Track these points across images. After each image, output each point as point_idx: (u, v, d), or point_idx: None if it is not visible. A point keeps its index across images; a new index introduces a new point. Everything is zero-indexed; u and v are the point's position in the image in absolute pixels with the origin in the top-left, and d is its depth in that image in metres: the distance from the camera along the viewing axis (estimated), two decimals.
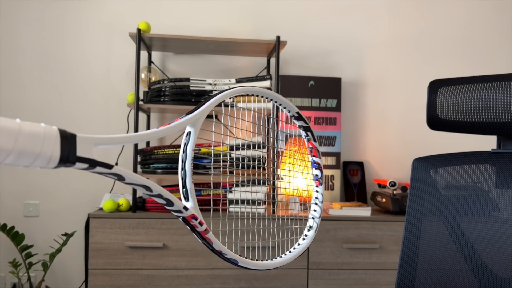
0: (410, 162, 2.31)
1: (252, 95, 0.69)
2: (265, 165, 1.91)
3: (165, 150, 1.92)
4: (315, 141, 0.80)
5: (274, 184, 1.83)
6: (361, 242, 1.89)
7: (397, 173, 2.40)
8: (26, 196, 2.21)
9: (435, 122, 0.90)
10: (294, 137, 2.03)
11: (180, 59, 2.32)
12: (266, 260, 0.67)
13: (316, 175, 0.80)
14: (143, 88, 2.16)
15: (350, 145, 2.39)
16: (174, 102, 1.95)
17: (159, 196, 0.51)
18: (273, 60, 2.29)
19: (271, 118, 1.91)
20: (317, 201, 0.79)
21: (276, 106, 0.74)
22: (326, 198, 2.26)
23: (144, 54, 2.20)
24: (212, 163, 0.80)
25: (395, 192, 2.03)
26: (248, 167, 1.35)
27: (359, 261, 1.89)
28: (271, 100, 0.72)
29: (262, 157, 1.80)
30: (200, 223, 0.56)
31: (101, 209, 1.92)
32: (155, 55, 2.29)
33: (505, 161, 0.86)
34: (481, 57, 2.47)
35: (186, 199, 0.57)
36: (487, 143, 2.34)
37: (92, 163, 0.42)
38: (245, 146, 1.77)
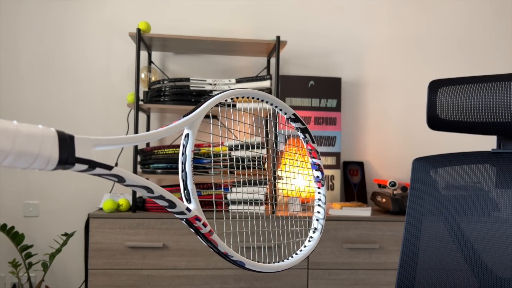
0: (410, 162, 2.31)
1: (248, 97, 0.69)
2: (265, 165, 1.91)
3: (165, 150, 1.92)
4: (313, 142, 0.80)
5: (274, 185, 1.83)
6: (361, 242, 1.89)
7: (397, 173, 2.40)
8: (26, 196, 2.21)
9: (435, 122, 0.90)
10: (293, 137, 2.03)
11: (180, 59, 2.32)
12: (273, 263, 0.66)
13: (317, 177, 0.79)
14: (143, 88, 2.16)
15: (350, 145, 2.39)
16: (174, 102, 1.95)
17: (161, 197, 0.50)
18: (273, 60, 2.28)
19: (269, 119, 1.91)
20: (320, 203, 0.78)
21: (273, 108, 0.74)
22: (327, 198, 2.25)
23: (144, 54, 2.20)
24: (212, 164, 0.80)
25: (395, 192, 2.03)
26: (248, 167, 1.35)
27: (359, 261, 1.89)
28: (267, 102, 0.72)
29: (262, 157, 1.80)
30: (204, 225, 0.55)
31: (101, 209, 1.92)
32: (155, 55, 2.29)
33: (505, 161, 0.86)
34: (481, 57, 2.47)
35: (188, 201, 0.56)
36: (487, 143, 2.33)
37: (92, 164, 0.42)
38: (244, 147, 1.77)
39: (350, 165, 2.34)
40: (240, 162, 0.90)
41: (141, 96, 2.05)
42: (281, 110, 0.75)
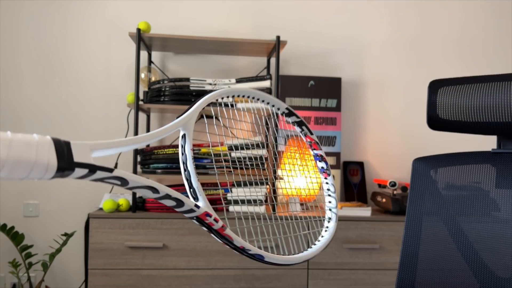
0: (410, 162, 2.31)
1: (239, 96, 0.68)
2: (265, 166, 1.91)
3: (165, 150, 1.92)
4: (311, 134, 0.80)
5: (274, 185, 1.83)
6: (361, 242, 1.89)
7: (397, 173, 2.40)
8: (26, 196, 2.21)
9: (435, 122, 0.90)
10: (292, 137, 2.03)
11: (180, 59, 2.32)
12: (292, 254, 0.64)
13: (322, 168, 0.79)
14: (143, 88, 2.16)
15: (350, 145, 2.39)
16: (174, 102, 1.95)
17: (167, 197, 0.48)
18: (273, 60, 2.28)
19: (268, 118, 1.92)
20: (330, 193, 0.78)
21: (265, 105, 0.74)
22: None
23: (144, 54, 2.20)
24: (214, 163, 0.80)
25: (395, 192, 2.03)
26: (248, 167, 1.35)
27: (359, 261, 1.89)
28: (258, 99, 0.72)
29: (262, 157, 1.80)
30: (216, 220, 0.53)
31: (101, 209, 1.92)
32: (155, 55, 2.29)
33: (505, 161, 0.86)
34: (481, 57, 2.47)
35: (196, 198, 0.55)
36: (487, 143, 2.33)
37: (92, 168, 0.41)
38: (244, 146, 1.77)
39: (350, 165, 2.34)
40: (238, 162, 0.90)
41: (141, 96, 2.05)
42: (273, 106, 0.74)
